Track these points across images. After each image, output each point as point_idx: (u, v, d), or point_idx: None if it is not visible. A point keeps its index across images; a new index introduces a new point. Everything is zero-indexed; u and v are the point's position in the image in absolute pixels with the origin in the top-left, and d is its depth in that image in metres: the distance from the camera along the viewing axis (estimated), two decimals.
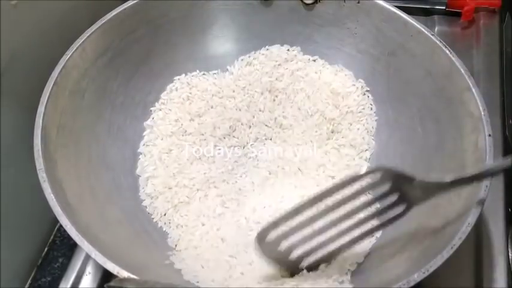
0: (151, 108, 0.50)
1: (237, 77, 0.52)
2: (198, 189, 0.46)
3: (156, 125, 0.49)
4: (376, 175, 0.36)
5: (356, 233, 0.38)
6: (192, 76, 0.52)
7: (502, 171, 0.37)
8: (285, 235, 0.37)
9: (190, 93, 0.51)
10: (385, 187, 0.36)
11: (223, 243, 0.43)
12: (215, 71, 0.53)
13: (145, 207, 0.45)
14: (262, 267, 0.40)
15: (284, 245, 0.38)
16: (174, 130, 0.49)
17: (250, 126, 0.50)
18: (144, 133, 0.49)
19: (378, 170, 0.36)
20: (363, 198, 0.37)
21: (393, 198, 0.37)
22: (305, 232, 0.37)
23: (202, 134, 0.49)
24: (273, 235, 0.37)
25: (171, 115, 0.50)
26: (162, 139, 0.48)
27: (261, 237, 0.37)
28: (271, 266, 0.39)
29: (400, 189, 0.36)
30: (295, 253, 0.38)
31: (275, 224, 0.37)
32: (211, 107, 0.51)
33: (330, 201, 0.36)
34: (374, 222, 0.38)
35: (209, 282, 0.39)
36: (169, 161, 0.47)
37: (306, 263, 0.39)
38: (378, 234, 0.42)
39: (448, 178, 0.35)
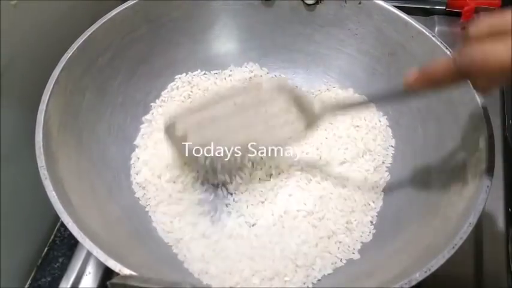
0: (152, 104, 0.50)
1: (237, 78, 0.52)
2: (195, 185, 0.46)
3: (155, 119, 0.49)
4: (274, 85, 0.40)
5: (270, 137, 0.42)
6: (194, 75, 0.52)
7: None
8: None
9: (191, 91, 0.51)
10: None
11: (224, 238, 0.43)
12: (216, 71, 0.53)
13: (138, 198, 0.45)
14: (264, 262, 0.41)
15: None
16: None
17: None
18: (142, 126, 0.49)
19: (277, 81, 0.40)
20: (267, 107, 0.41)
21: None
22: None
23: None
24: (180, 127, 0.40)
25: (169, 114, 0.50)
26: (158, 133, 0.48)
27: (169, 128, 0.41)
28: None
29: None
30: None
31: (182, 115, 0.41)
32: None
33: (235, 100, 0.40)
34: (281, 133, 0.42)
35: (210, 275, 0.40)
36: (166, 157, 0.47)
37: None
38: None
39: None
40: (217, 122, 0.41)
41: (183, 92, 0.51)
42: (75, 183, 0.39)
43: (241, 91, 0.41)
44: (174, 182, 0.46)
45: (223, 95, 0.41)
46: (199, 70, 0.53)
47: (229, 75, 0.53)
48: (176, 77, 0.52)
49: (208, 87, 0.52)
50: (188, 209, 0.44)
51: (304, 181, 0.46)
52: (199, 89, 0.51)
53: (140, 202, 0.45)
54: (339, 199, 0.45)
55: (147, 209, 0.45)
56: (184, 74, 0.52)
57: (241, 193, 0.46)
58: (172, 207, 0.44)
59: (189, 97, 0.51)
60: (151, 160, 0.47)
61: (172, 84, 0.51)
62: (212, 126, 0.41)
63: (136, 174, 0.46)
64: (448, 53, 0.43)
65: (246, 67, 0.53)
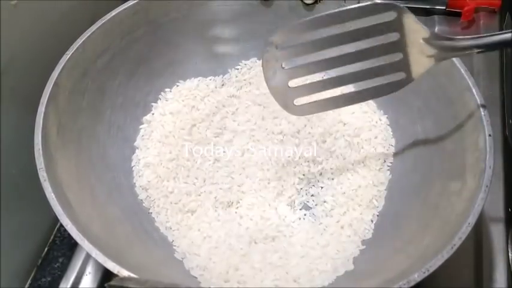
0: (153, 104, 0.50)
1: (237, 79, 0.53)
2: (196, 185, 0.46)
3: (155, 119, 0.49)
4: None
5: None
6: (193, 75, 0.52)
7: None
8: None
9: (191, 92, 0.51)
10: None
11: (224, 237, 0.43)
12: (215, 71, 0.53)
13: (142, 200, 0.45)
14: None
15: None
16: (171, 129, 0.49)
17: (250, 128, 0.51)
18: (141, 126, 0.49)
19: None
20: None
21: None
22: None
23: (201, 133, 0.49)
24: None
25: (170, 115, 0.50)
26: (159, 134, 0.48)
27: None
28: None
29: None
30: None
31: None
32: (212, 107, 0.51)
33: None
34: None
35: (209, 275, 0.40)
36: (168, 157, 0.47)
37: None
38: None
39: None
40: None
41: (183, 92, 0.51)
42: (75, 184, 0.39)
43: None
44: (177, 182, 0.46)
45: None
46: (198, 70, 0.53)
47: (229, 78, 0.53)
48: (175, 77, 0.52)
49: (208, 87, 0.52)
50: (192, 208, 0.45)
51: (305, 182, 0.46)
52: (199, 91, 0.51)
53: (144, 204, 0.45)
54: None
55: (150, 211, 0.45)
56: (183, 73, 0.52)
57: (243, 194, 0.46)
58: (176, 207, 0.44)
59: (189, 98, 0.51)
60: (153, 161, 0.47)
61: (172, 84, 0.51)
62: None
63: (139, 176, 0.46)
64: None
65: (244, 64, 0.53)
